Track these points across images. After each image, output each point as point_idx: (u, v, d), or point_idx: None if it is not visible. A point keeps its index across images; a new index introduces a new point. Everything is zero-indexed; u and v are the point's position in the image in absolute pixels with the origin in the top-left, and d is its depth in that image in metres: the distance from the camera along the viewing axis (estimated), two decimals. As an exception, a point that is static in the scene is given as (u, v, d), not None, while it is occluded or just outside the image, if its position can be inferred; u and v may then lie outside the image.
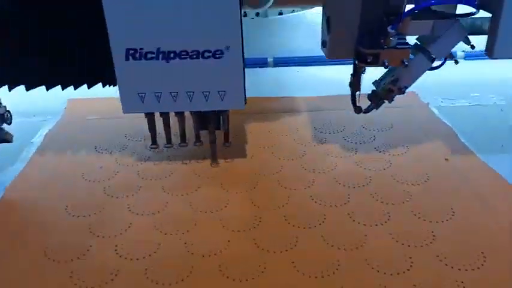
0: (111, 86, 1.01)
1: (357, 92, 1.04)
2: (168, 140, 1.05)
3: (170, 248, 0.82)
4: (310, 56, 1.59)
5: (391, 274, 0.75)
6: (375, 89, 1.06)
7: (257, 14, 1.68)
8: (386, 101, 1.03)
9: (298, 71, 1.57)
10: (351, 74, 1.03)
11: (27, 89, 0.99)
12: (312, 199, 0.94)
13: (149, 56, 0.92)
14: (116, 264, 0.78)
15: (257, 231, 0.86)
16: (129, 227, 0.87)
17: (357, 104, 1.05)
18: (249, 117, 1.25)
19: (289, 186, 0.98)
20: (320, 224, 0.87)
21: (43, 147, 1.13)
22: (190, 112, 1.01)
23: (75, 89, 1.01)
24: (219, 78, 0.95)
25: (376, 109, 1.05)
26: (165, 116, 1.01)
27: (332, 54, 0.97)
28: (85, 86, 1.02)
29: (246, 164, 1.06)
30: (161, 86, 0.95)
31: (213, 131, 1.05)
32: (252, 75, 1.48)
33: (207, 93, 0.97)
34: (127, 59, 0.92)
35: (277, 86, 1.47)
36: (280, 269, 0.77)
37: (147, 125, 1.03)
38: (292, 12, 1.72)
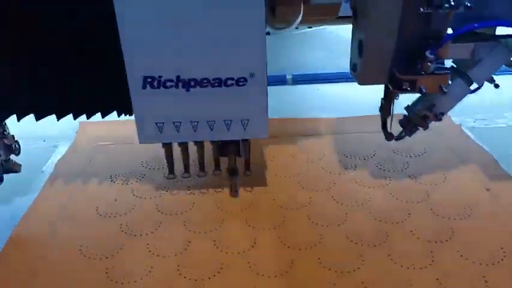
0: (127, 115, 0.94)
1: (388, 118, 0.97)
2: (186, 169, 0.99)
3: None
4: (332, 73, 1.52)
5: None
6: (407, 114, 0.99)
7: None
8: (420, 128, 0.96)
9: (319, 89, 1.50)
10: (382, 99, 0.97)
11: (37, 119, 0.93)
12: (347, 238, 0.87)
13: (168, 84, 0.86)
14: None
15: (290, 276, 0.79)
16: (150, 271, 0.81)
17: (389, 131, 0.98)
18: (270, 141, 1.18)
19: (321, 222, 0.91)
20: (359, 268, 0.80)
21: (54, 177, 1.07)
22: (211, 142, 0.95)
23: (87, 118, 0.95)
24: (242, 107, 0.89)
25: (409, 136, 0.98)
26: (183, 145, 0.95)
27: (364, 80, 0.90)
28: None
29: (270, 196, 0.99)
30: (180, 116, 0.89)
31: (233, 159, 0.99)
32: (270, 93, 1.42)
33: (229, 121, 0.90)
34: (144, 87, 0.86)
35: (297, 105, 1.40)
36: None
37: (165, 153, 0.96)
38: (308, 28, 1.66)
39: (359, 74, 0.89)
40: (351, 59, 0.94)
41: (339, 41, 1.65)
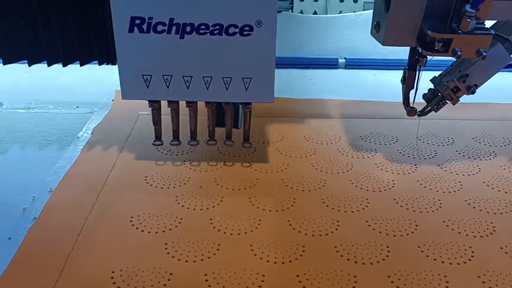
0: (110, 64, 0.81)
1: (412, 90, 0.85)
2: (175, 134, 0.85)
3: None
4: (388, 59, 1.37)
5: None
6: (433, 87, 0.86)
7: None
8: (449, 103, 0.84)
9: (375, 75, 1.35)
10: (405, 68, 0.84)
11: (4, 63, 0.80)
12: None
13: (159, 28, 0.73)
14: None
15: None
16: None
17: (411, 106, 0.85)
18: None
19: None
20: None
21: (91, 144, 0.93)
22: (206, 104, 0.82)
23: (63, 65, 0.82)
24: (245, 62, 0.76)
25: (436, 111, 0.86)
26: (174, 105, 0.82)
27: (389, 39, 0.76)
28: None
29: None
30: (172, 68, 0.76)
31: (230, 130, 0.86)
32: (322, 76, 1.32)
33: (229, 79, 0.77)
34: (131, 30, 0.73)
35: (350, 88, 1.25)
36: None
37: (151, 114, 0.83)
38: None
39: (384, 32, 0.76)
40: (373, 16, 0.81)
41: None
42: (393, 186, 0.82)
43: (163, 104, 0.81)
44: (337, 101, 1.14)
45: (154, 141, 0.86)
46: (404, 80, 0.85)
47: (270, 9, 0.72)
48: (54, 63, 0.81)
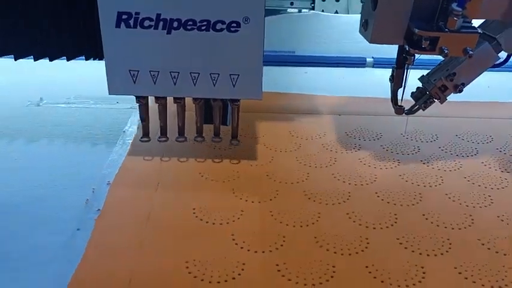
0: (97, 59, 0.81)
1: (400, 89, 0.85)
2: (163, 130, 0.85)
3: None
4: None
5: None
6: (421, 86, 0.87)
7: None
8: (436, 101, 0.84)
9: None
10: (393, 67, 0.84)
11: None
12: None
13: (146, 23, 0.73)
14: None
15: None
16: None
17: (399, 104, 0.85)
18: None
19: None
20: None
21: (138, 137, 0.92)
22: (193, 100, 0.81)
23: (50, 60, 0.81)
24: (232, 58, 0.76)
25: (423, 110, 0.86)
26: (161, 101, 0.81)
27: (376, 37, 0.77)
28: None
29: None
30: (159, 64, 0.76)
31: (219, 127, 0.86)
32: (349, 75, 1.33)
33: (216, 76, 0.77)
34: (118, 25, 0.73)
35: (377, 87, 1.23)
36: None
37: (139, 110, 0.83)
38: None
39: (371, 30, 0.76)
40: (362, 15, 0.81)
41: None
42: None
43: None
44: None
45: (141, 138, 0.86)
46: (392, 79, 0.85)
47: (258, 5, 0.72)
48: (41, 58, 0.81)
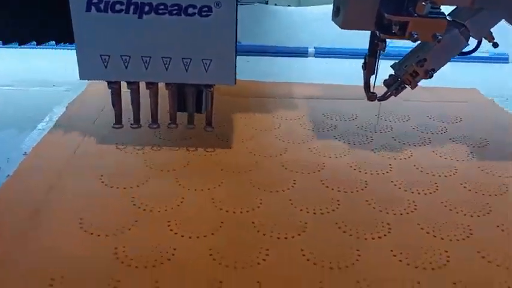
0: (67, 44, 0.80)
1: (372, 76, 0.86)
2: (135, 117, 0.84)
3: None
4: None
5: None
6: (393, 73, 0.88)
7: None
8: (407, 87, 0.85)
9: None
10: (366, 55, 0.85)
11: None
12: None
13: (117, 7, 0.73)
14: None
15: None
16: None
17: (372, 91, 0.86)
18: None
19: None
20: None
21: (64, 118, 0.97)
22: (166, 86, 0.81)
23: (19, 45, 0.80)
24: (204, 43, 0.76)
25: (395, 96, 0.87)
26: (133, 86, 0.81)
27: (347, 23, 0.77)
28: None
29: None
30: (130, 48, 0.75)
31: (193, 115, 0.85)
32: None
33: (188, 61, 0.77)
34: (88, 9, 0.73)
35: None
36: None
37: (111, 96, 0.82)
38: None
39: (342, 15, 0.77)
40: (334, 2, 0.82)
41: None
42: (348, 153, 0.89)
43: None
44: (305, 84, 1.21)
45: (114, 125, 0.85)
46: (365, 66, 0.86)
47: (229, -11, 0.72)
48: (10, 43, 0.80)
